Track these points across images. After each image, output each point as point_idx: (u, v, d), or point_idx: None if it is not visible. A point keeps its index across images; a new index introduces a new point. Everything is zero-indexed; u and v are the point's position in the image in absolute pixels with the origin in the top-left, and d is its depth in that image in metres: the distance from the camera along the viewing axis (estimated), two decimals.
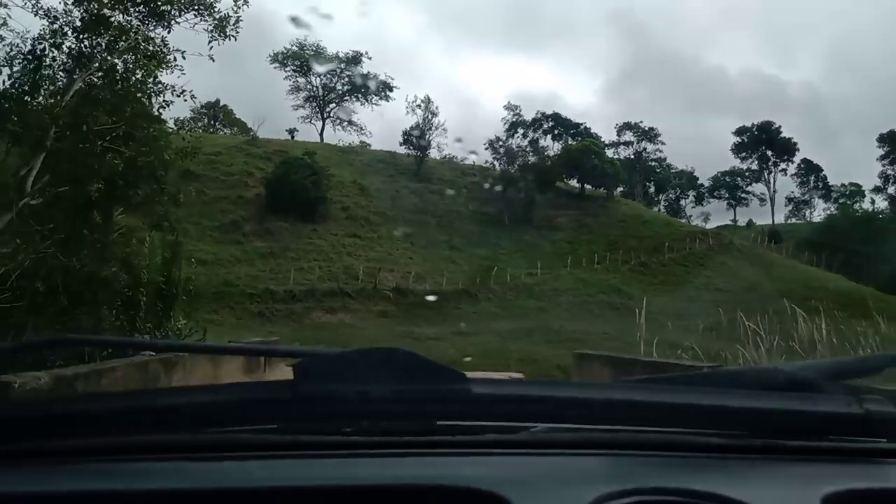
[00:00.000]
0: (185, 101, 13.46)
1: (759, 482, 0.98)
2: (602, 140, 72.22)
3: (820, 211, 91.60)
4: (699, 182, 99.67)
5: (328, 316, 35.80)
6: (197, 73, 13.98)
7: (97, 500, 0.91)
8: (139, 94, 12.73)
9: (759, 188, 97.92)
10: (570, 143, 65.70)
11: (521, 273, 46.06)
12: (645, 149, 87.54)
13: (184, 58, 13.21)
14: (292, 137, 67.88)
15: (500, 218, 55.00)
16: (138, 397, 1.10)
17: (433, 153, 60.75)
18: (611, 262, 49.59)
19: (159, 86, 12.95)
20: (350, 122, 74.10)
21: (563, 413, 1.02)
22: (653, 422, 1.04)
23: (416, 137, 58.91)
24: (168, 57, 13.06)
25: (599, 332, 41.28)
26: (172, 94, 12.96)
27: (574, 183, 64.48)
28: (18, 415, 1.01)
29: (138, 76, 12.78)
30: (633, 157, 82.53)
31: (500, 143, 60.51)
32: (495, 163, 59.61)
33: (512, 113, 66.28)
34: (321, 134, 72.26)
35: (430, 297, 39.87)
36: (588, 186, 62.23)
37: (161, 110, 13.26)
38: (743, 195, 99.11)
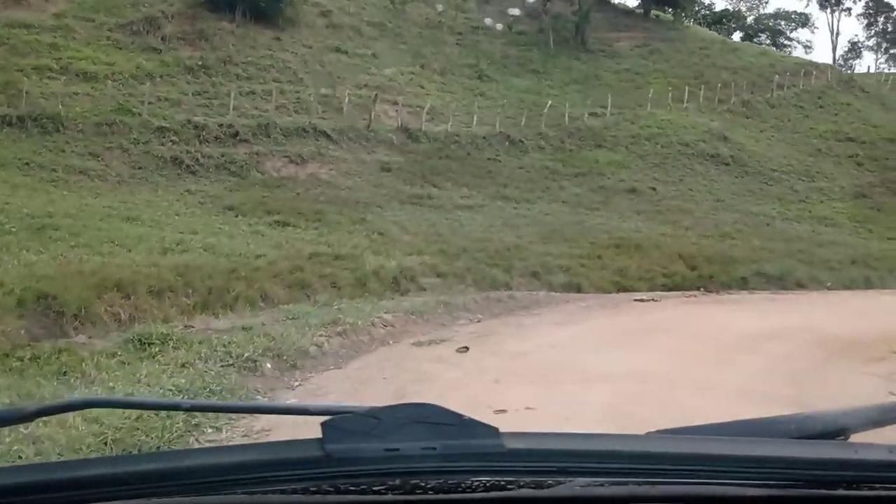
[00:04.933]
0: None
1: None
2: None
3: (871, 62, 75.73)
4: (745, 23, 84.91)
5: (292, 167, 21.63)
6: None
7: None
8: None
9: (803, 34, 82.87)
10: None
11: (582, 113, 31.60)
12: None
13: None
14: None
15: (542, 39, 39.80)
16: (162, 458, 1.08)
17: None
18: (704, 100, 34.98)
19: None
20: None
21: (599, 466, 0.98)
22: (691, 474, 0.99)
23: None
24: None
25: (710, 200, 27.44)
26: None
27: (632, 3, 49.03)
28: (32, 480, 0.95)
29: None
30: None
31: None
32: None
33: None
34: None
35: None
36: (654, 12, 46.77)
37: None
38: (786, 42, 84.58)
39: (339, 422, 0.94)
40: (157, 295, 10.89)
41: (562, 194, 24.60)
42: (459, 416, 0.94)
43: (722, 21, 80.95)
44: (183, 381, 5.04)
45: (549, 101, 31.13)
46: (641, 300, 14.98)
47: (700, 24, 72.74)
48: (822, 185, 30.52)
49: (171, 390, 4.94)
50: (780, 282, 18.87)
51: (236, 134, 21.89)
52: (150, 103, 22.34)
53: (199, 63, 25.78)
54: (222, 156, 20.99)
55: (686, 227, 23.36)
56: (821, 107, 38.25)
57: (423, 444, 0.91)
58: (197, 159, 20.55)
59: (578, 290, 16.01)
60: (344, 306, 9.87)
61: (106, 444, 4.20)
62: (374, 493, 0.95)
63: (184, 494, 0.94)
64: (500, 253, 17.02)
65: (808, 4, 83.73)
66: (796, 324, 11.89)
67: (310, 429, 0.97)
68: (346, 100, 25.24)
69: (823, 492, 1.00)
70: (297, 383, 5.90)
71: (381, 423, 0.92)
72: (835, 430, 1.07)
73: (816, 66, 44.42)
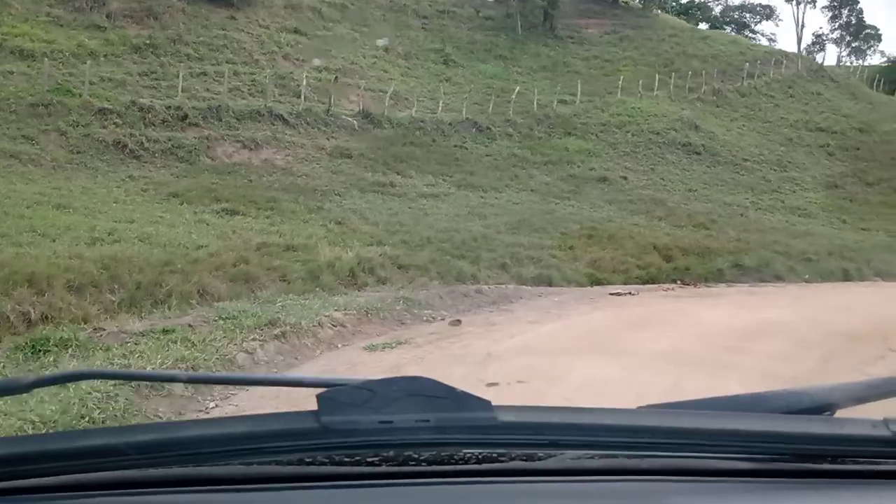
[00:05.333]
0: None
1: None
2: None
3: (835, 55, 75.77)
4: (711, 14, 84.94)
5: (245, 153, 20.26)
6: None
7: None
8: None
9: (768, 27, 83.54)
10: None
11: (551, 100, 30.64)
12: None
13: None
14: None
15: (510, 25, 38.74)
16: (159, 429, 1.08)
17: None
18: (674, 88, 34.22)
19: None
20: None
21: (590, 439, 1.00)
22: (680, 447, 1.01)
23: None
24: None
25: (682, 190, 26.62)
26: None
27: None
28: (35, 449, 0.96)
29: None
30: None
31: None
32: None
33: None
34: None
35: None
36: None
37: None
38: (751, 34, 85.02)
39: (334, 394, 0.93)
40: (78, 291, 9.59)
41: (531, 183, 23.59)
42: (453, 389, 0.94)
43: (689, 12, 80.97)
44: (54, 408, 3.83)
45: (518, 88, 30.10)
46: (618, 293, 13.97)
47: (668, 13, 72.48)
48: (794, 175, 29.95)
49: (33, 421, 3.73)
50: (758, 274, 18.10)
51: (185, 117, 20.45)
52: (91, 83, 20.80)
53: (147, 42, 24.21)
54: (169, 140, 19.56)
55: (659, 217, 22.54)
56: (791, 96, 37.79)
57: (417, 416, 0.91)
58: (142, 143, 19.10)
59: (550, 282, 14.99)
60: (289, 303, 8.66)
61: None
62: (369, 464, 0.96)
63: (181, 465, 0.95)
64: (466, 243, 15.95)
65: None
66: (784, 319, 10.99)
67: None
68: (305, 83, 23.89)
69: (809, 465, 1.02)
70: (212, 404, 4.71)
71: (376, 396, 0.92)
72: (821, 406, 1.07)
73: (786, 55, 44.02)
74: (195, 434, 0.96)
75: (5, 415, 3.84)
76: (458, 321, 9.14)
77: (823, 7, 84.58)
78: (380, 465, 0.96)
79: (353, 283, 11.94)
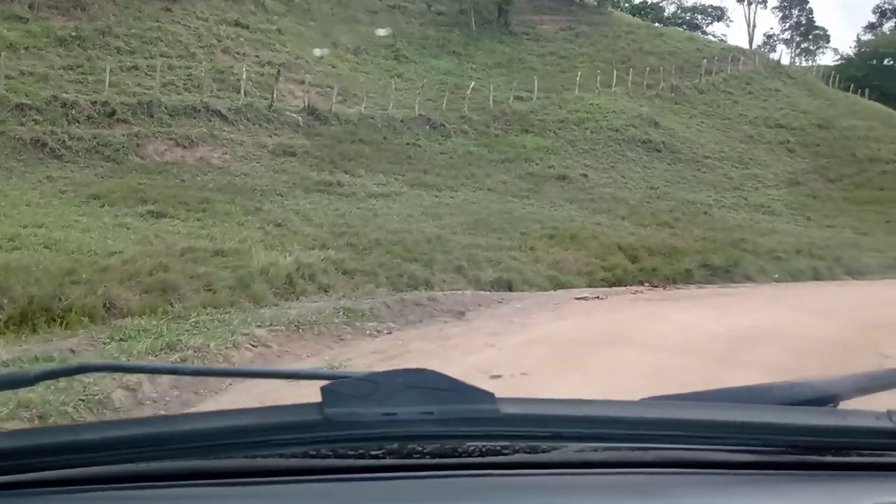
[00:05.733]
0: None
1: (793, 498, 0.99)
2: None
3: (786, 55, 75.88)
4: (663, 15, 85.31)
5: (178, 151, 18.62)
6: None
7: None
8: None
9: (719, 29, 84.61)
10: None
11: (507, 96, 29.53)
12: None
13: None
14: None
15: (464, 20, 37.62)
16: (163, 422, 1.05)
17: None
18: (632, 85, 33.41)
19: None
20: None
21: (593, 432, 0.99)
22: (684, 439, 0.99)
23: None
24: None
25: (644, 188, 25.69)
26: None
27: None
28: (37, 442, 0.95)
29: None
30: None
31: None
32: None
33: None
34: None
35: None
36: None
37: None
38: (702, 35, 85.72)
39: (338, 386, 0.93)
40: None
41: (488, 181, 22.40)
42: (456, 381, 0.93)
43: (641, 12, 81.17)
44: None
45: (472, 84, 28.95)
46: (585, 298, 12.83)
47: (623, 13, 72.24)
48: (756, 172, 29.35)
49: None
50: (727, 274, 17.30)
51: (113, 113, 18.77)
52: (9, 78, 19.00)
53: (73, 34, 22.35)
54: (94, 138, 17.87)
55: (622, 216, 21.58)
56: (750, 93, 37.33)
57: (421, 408, 0.90)
58: (63, 142, 17.38)
59: (510, 287, 13.80)
60: (204, 318, 7.29)
61: None
62: (373, 456, 0.96)
63: (185, 458, 0.95)
64: (419, 245, 14.68)
65: None
66: (766, 324, 10.05)
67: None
68: (245, 77, 22.36)
69: (813, 457, 1.01)
70: None
71: (380, 388, 0.91)
72: (825, 398, 1.06)
73: (743, 51, 43.71)
74: (199, 427, 0.94)
75: None
76: (462, 313, 9.01)
77: (774, 7, 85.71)
78: (383, 457, 0.95)
79: (290, 291, 10.57)
